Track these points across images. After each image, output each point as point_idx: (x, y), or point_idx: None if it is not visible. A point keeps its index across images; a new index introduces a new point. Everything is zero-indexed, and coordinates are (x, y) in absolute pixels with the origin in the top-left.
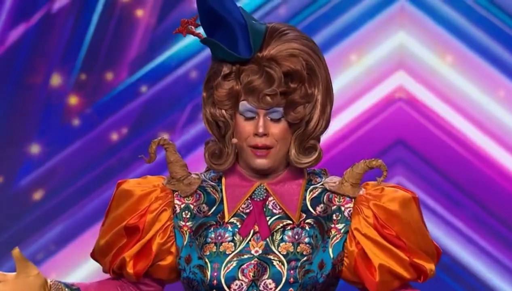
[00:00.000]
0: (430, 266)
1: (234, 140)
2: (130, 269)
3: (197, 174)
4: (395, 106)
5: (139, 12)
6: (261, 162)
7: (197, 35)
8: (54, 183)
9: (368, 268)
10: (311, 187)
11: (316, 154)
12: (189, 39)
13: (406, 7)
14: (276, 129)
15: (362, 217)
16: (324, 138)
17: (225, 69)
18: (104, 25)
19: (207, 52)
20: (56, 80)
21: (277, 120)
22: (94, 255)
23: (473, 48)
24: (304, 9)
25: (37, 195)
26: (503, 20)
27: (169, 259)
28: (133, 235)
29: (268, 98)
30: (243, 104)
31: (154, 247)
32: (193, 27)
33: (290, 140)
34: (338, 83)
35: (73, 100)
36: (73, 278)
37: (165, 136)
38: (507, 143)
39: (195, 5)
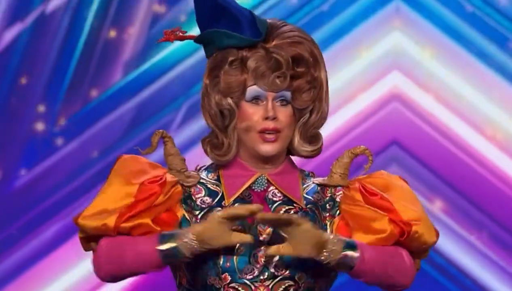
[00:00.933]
0: (415, 228)
1: (247, 123)
2: (157, 226)
3: (195, 171)
4: (390, 107)
5: (135, 12)
6: (268, 148)
7: (189, 37)
8: (50, 183)
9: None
10: (307, 183)
11: (320, 143)
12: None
13: (401, 8)
14: (283, 114)
15: (350, 196)
16: None
17: (231, 57)
18: (99, 25)
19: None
20: (50, 79)
21: (284, 105)
22: (83, 220)
23: (467, 49)
24: (299, 9)
25: (34, 194)
26: (498, 20)
27: (173, 215)
28: (147, 196)
29: (278, 81)
30: (252, 89)
31: (164, 215)
32: (180, 32)
33: (294, 128)
34: (333, 84)
35: (67, 101)
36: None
37: None
38: (502, 143)
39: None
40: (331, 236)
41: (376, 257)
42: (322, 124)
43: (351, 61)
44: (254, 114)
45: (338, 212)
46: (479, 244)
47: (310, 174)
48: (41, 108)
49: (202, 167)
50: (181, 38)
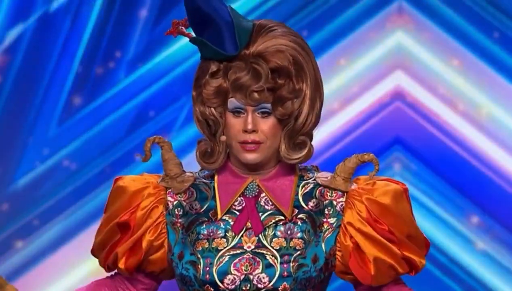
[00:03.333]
0: (420, 259)
1: (223, 138)
2: (121, 265)
3: (191, 173)
4: (393, 106)
5: (138, 12)
6: (251, 157)
7: (187, 35)
8: (53, 182)
9: (362, 261)
10: (303, 182)
11: (306, 150)
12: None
13: (404, 7)
14: (265, 125)
15: (356, 211)
16: (322, 137)
17: (213, 67)
18: (102, 25)
19: None
20: (54, 79)
21: (266, 116)
22: (93, 252)
23: (470, 48)
24: (302, 9)
25: (36, 194)
26: (501, 20)
27: (159, 253)
28: (125, 231)
29: (255, 94)
30: (232, 101)
31: (144, 244)
32: (183, 28)
33: (280, 136)
34: (336, 83)
35: (70, 99)
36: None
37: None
38: (505, 142)
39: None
40: None
41: None
42: (311, 129)
43: (353, 61)
44: (235, 125)
45: (337, 224)
46: (483, 244)
47: (314, 168)
48: (43, 108)
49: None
50: (183, 34)
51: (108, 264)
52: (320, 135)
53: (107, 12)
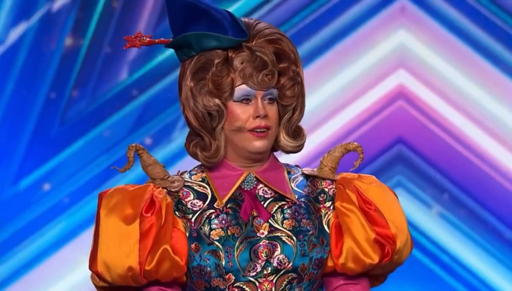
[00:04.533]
0: (394, 247)
1: (238, 123)
2: (176, 255)
3: (177, 175)
4: (396, 105)
5: (139, 12)
6: (260, 144)
7: (160, 42)
8: (55, 182)
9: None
10: (292, 176)
11: (305, 137)
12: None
13: (406, 6)
14: (271, 111)
15: (346, 193)
16: (324, 136)
17: (217, 59)
18: (104, 24)
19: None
20: (55, 78)
21: (272, 103)
22: (98, 269)
23: (473, 47)
24: (305, 7)
25: (38, 194)
26: (504, 19)
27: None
28: (150, 227)
29: (266, 79)
30: (241, 89)
31: (181, 227)
32: (146, 38)
33: (278, 125)
34: (339, 82)
35: (72, 99)
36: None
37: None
38: (507, 141)
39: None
40: None
41: None
42: (301, 118)
43: (356, 60)
44: (243, 113)
45: (333, 207)
46: (484, 242)
47: (295, 166)
48: (46, 108)
49: (184, 171)
50: (149, 43)
51: (149, 267)
52: (323, 134)
53: (109, 12)
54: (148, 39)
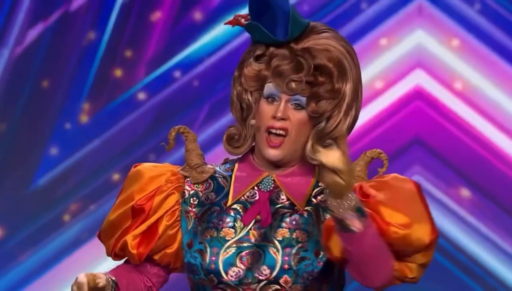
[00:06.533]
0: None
1: (252, 121)
2: (133, 249)
3: (212, 165)
4: (413, 105)
5: (157, 12)
6: (273, 153)
7: (242, 24)
8: (71, 183)
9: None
10: (319, 187)
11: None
12: (205, 37)
13: (424, 6)
14: (295, 117)
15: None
16: None
17: (258, 51)
18: (122, 24)
19: (225, 50)
20: (73, 79)
21: (298, 109)
22: (100, 236)
23: (491, 47)
24: (322, 8)
25: (55, 196)
26: None
27: (175, 246)
28: (138, 216)
29: (293, 84)
30: (269, 86)
31: (161, 228)
32: (243, 19)
33: (308, 134)
34: None
35: (90, 100)
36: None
37: None
38: None
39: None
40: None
41: (375, 240)
42: (340, 137)
43: (373, 60)
44: (267, 111)
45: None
46: (504, 244)
47: None
48: (64, 108)
49: (226, 161)
50: (239, 24)
51: (115, 250)
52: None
53: (127, 11)
54: (243, 20)
